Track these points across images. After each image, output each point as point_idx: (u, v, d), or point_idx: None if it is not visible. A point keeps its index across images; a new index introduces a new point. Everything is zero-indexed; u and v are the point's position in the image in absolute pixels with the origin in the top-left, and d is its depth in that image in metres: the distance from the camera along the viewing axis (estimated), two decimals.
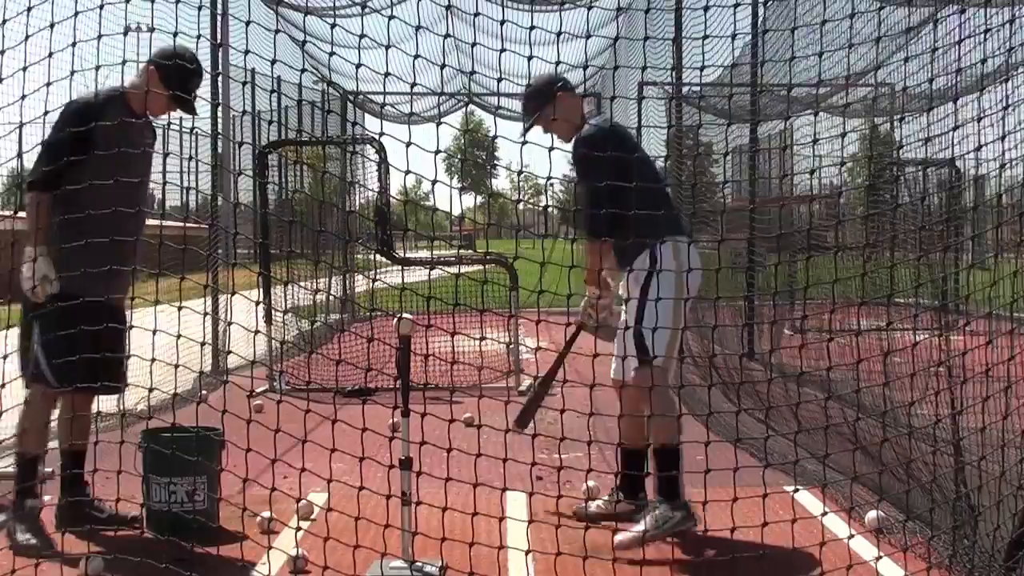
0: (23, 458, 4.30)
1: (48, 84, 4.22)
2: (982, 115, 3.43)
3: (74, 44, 4.15)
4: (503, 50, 3.71)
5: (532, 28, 3.70)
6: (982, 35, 3.51)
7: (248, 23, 4.64)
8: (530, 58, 3.65)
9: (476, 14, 3.82)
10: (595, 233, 4.43)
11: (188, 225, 11.28)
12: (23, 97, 4.33)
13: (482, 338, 4.33)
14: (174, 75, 4.32)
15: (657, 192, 4.16)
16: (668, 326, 4.19)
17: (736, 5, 4.24)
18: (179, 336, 3.68)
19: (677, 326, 4.29)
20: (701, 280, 4.63)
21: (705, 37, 3.83)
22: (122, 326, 4.39)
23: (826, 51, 3.79)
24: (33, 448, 4.31)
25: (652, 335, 4.12)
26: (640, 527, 4.11)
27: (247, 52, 4.94)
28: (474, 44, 4.30)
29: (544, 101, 4.57)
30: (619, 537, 4.06)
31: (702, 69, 5.54)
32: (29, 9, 4.23)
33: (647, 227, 4.14)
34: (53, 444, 4.52)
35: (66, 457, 4.41)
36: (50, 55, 4.17)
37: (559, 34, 3.78)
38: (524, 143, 4.34)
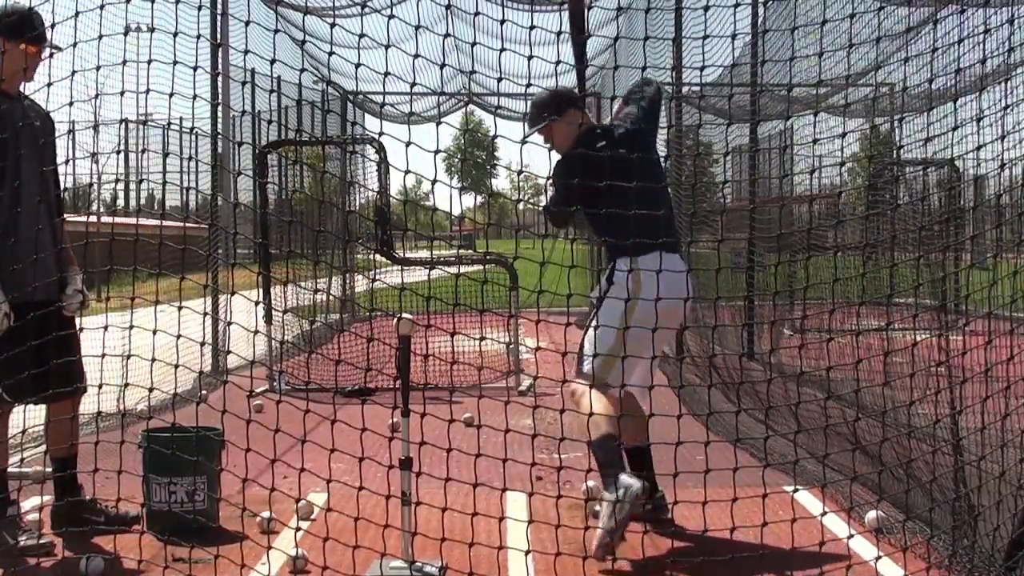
0: None
1: (49, 84, 4.22)
2: (981, 115, 3.43)
3: (74, 44, 4.15)
4: (503, 50, 3.71)
5: (532, 28, 3.70)
6: (982, 35, 3.52)
7: (248, 23, 4.63)
8: (530, 58, 3.65)
9: (476, 14, 3.82)
10: (552, 218, 4.62)
11: (188, 225, 11.28)
12: (24, 97, 4.35)
13: (482, 338, 4.33)
14: (15, 23, 4.15)
15: (631, 215, 4.06)
16: (606, 352, 4.13)
17: (736, 5, 4.23)
18: (179, 336, 3.68)
19: (616, 353, 4.04)
20: (677, 306, 4.46)
21: (705, 37, 3.83)
22: (69, 326, 4.27)
23: (826, 51, 3.79)
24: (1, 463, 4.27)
25: (592, 357, 4.14)
26: (601, 525, 3.99)
27: (247, 52, 4.93)
28: (474, 44, 4.30)
29: (551, 113, 4.59)
30: (594, 543, 4.01)
31: (702, 69, 5.54)
32: (30, 10, 4.23)
33: (611, 250, 4.30)
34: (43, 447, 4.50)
35: (56, 461, 4.41)
36: (51, 55, 4.17)
37: (559, 34, 3.78)
38: (524, 143, 4.33)
